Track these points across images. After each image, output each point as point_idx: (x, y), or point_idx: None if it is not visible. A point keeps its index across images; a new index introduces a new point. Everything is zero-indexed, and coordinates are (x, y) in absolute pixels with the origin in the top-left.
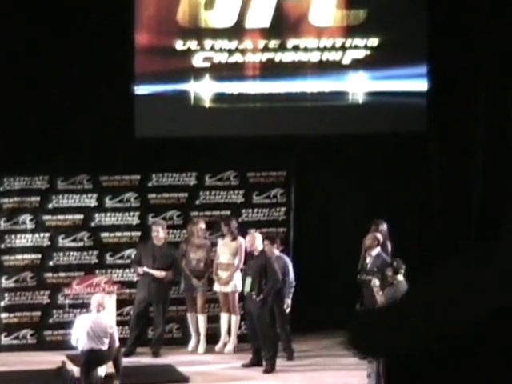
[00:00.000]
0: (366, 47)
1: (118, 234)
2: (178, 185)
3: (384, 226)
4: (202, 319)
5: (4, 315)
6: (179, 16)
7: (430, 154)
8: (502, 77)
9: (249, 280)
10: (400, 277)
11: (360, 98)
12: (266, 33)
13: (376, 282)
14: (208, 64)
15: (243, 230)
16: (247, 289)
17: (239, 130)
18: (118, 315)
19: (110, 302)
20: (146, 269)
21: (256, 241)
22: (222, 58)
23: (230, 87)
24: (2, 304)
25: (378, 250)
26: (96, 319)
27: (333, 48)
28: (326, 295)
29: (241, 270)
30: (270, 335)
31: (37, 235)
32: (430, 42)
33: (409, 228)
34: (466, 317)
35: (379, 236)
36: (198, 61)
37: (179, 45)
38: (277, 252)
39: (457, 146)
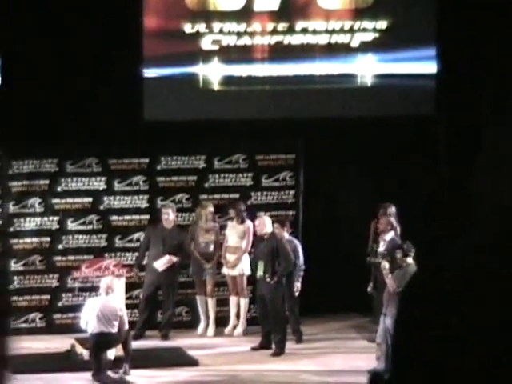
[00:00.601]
0: (374, 30)
1: (127, 217)
2: (186, 168)
3: (392, 209)
4: (211, 302)
5: (13, 298)
6: None
7: (439, 136)
8: None
9: (261, 263)
10: (409, 259)
11: (369, 81)
12: (275, 15)
13: (386, 264)
14: (217, 47)
15: (252, 213)
16: (260, 272)
17: (248, 113)
18: (127, 298)
19: (119, 285)
20: (155, 264)
21: (266, 224)
22: (230, 40)
23: (238, 70)
24: (11, 287)
25: (391, 234)
26: (105, 302)
27: (341, 30)
28: (335, 278)
29: (249, 253)
30: (280, 318)
31: (46, 218)
32: (439, 24)
33: (417, 211)
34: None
35: (393, 220)
36: (206, 43)
37: (188, 28)
38: (286, 235)
39: (465, 128)
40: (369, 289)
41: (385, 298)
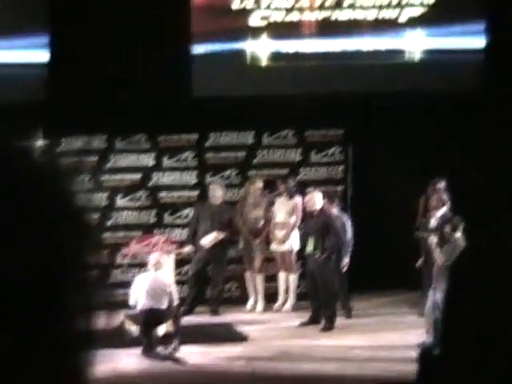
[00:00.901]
0: (422, 4)
1: (176, 193)
2: (235, 144)
3: (442, 185)
4: (259, 278)
5: None
6: None
7: (487, 111)
8: None
9: (311, 239)
10: (458, 234)
11: (416, 56)
12: None
13: (434, 238)
14: (265, 23)
15: (301, 188)
16: (310, 248)
17: (296, 89)
18: (176, 274)
19: (169, 261)
20: (203, 241)
21: (316, 200)
22: (278, 16)
23: (286, 46)
24: None
25: (443, 210)
26: (154, 278)
27: (389, 6)
28: (384, 253)
29: (298, 229)
30: (330, 294)
31: (95, 195)
32: None
33: (465, 187)
34: None
35: (444, 196)
36: (254, 20)
37: (236, 4)
38: (335, 211)
39: None
40: (418, 263)
41: (434, 273)
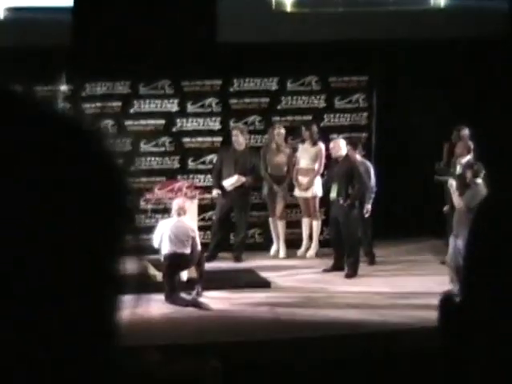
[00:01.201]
0: None
1: (200, 139)
2: (259, 90)
3: (466, 132)
4: (281, 225)
5: None
6: None
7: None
8: None
9: (335, 186)
10: (479, 180)
11: (442, 2)
12: None
13: (453, 183)
14: None
15: (325, 135)
16: (333, 194)
17: (321, 35)
18: (199, 220)
19: (192, 207)
20: (225, 183)
21: (341, 146)
22: None
23: None
24: None
25: (468, 157)
26: (177, 223)
27: None
28: (409, 200)
29: (321, 176)
30: (353, 240)
31: (118, 140)
32: None
33: (491, 133)
34: None
35: (470, 143)
36: None
37: None
38: (359, 157)
39: None
40: (445, 209)
41: (455, 219)
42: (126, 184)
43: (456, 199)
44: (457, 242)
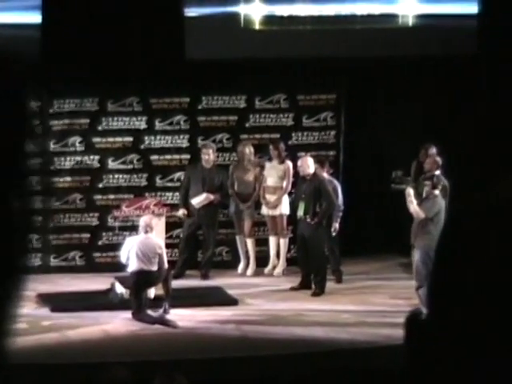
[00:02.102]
0: None
1: (168, 156)
2: (227, 107)
3: (433, 150)
4: (249, 242)
5: (53, 237)
6: None
7: (481, 76)
8: None
9: (302, 204)
10: (437, 191)
11: (410, 21)
12: None
13: (410, 191)
14: None
15: (293, 153)
16: (301, 212)
17: (289, 53)
18: (167, 238)
19: (160, 224)
20: (193, 201)
21: (309, 164)
22: None
23: (280, 9)
24: (52, 226)
25: (437, 173)
26: (144, 240)
27: None
28: (376, 218)
29: (289, 194)
30: (321, 258)
31: (86, 157)
32: None
33: (459, 151)
34: None
35: (438, 160)
36: None
37: None
38: (326, 175)
39: (508, 68)
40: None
41: (413, 230)
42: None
43: (414, 208)
44: (415, 254)
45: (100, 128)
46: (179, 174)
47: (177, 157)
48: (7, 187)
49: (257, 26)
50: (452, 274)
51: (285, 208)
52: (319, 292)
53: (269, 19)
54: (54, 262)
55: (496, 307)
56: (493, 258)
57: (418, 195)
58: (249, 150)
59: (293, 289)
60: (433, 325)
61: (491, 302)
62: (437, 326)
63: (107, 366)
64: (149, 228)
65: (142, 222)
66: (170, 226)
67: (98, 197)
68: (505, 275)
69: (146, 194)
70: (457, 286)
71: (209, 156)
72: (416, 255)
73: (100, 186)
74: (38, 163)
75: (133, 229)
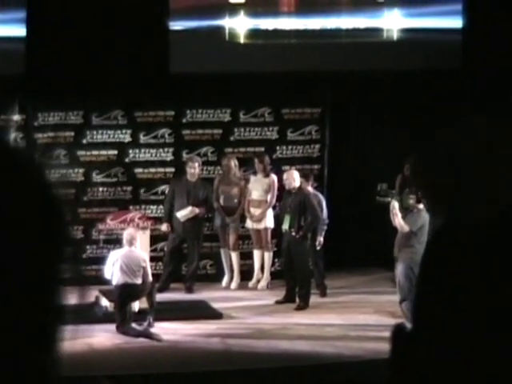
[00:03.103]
0: None
1: (152, 169)
2: (212, 121)
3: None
4: (234, 255)
5: None
6: None
7: (465, 90)
8: None
9: (287, 217)
10: (421, 205)
11: (395, 35)
12: None
13: (395, 204)
14: (243, 0)
15: (277, 166)
16: (286, 226)
17: (274, 67)
18: (151, 251)
19: (144, 237)
20: (178, 214)
21: (295, 178)
22: None
23: (264, 23)
24: None
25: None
26: (128, 253)
27: None
28: (361, 232)
29: (273, 207)
30: (305, 272)
31: (71, 170)
32: None
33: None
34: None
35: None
36: None
37: None
38: (311, 189)
39: (491, 82)
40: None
41: (396, 243)
42: (63, 215)
43: (398, 221)
44: (398, 267)
45: (84, 141)
46: (163, 187)
47: (161, 170)
48: None
49: (242, 40)
50: (436, 288)
51: (269, 221)
52: (304, 306)
53: (254, 33)
54: None
55: (479, 321)
56: (476, 272)
57: (403, 208)
58: (233, 163)
59: (277, 302)
60: (417, 338)
61: (475, 316)
62: (421, 340)
63: (92, 380)
64: (133, 241)
65: (127, 235)
66: (154, 239)
67: (83, 210)
68: (488, 289)
69: (131, 207)
70: (440, 299)
71: (194, 169)
72: (399, 268)
73: (84, 199)
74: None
75: (117, 242)
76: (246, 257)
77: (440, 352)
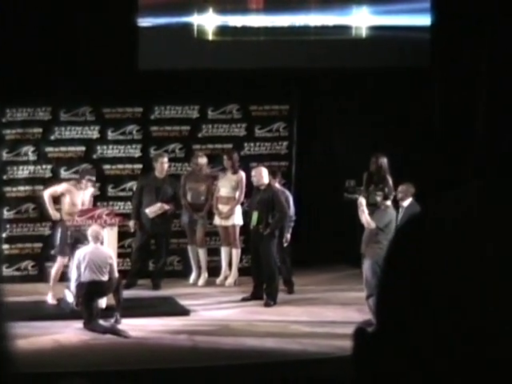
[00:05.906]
0: None
1: (120, 166)
2: (180, 117)
3: (384, 160)
4: (201, 252)
5: (6, 246)
6: None
7: (433, 88)
8: (508, 10)
9: (255, 214)
10: (388, 202)
11: (363, 33)
12: None
13: (363, 200)
14: None
15: (245, 163)
16: (254, 223)
17: (242, 63)
18: (119, 247)
19: (112, 234)
20: (147, 210)
21: (263, 175)
22: None
23: (233, 20)
24: (4, 235)
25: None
26: (94, 250)
27: None
28: (328, 229)
29: (241, 204)
30: (273, 269)
31: (39, 167)
32: None
33: (411, 162)
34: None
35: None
36: None
37: None
38: (278, 186)
39: (460, 80)
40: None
41: (364, 239)
42: None
43: (365, 218)
44: (364, 263)
45: (53, 137)
46: (131, 184)
47: (129, 166)
48: None
49: (210, 37)
50: (399, 285)
51: (237, 218)
52: (271, 302)
53: (222, 30)
54: (6, 271)
55: (444, 319)
56: (441, 269)
57: (370, 205)
58: (202, 160)
59: (244, 299)
60: (379, 336)
61: (439, 314)
62: (383, 338)
63: (61, 376)
64: (99, 238)
65: (92, 231)
66: (122, 236)
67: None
68: (453, 286)
69: (99, 204)
70: (403, 296)
71: (161, 166)
72: (366, 264)
73: None
74: None
75: (85, 238)
76: (213, 253)
77: (402, 350)
